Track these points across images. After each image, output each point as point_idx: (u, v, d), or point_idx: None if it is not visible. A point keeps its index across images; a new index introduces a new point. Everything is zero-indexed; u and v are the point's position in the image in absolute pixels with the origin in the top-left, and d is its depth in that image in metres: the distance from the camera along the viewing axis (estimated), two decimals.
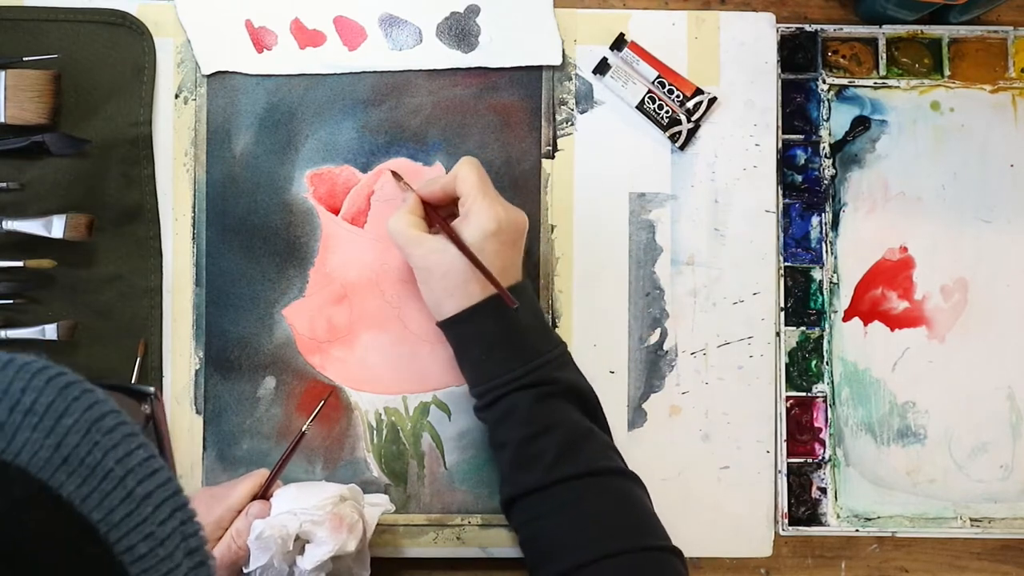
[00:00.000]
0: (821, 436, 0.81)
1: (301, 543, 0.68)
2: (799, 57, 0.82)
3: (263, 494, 0.72)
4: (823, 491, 0.80)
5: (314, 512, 0.68)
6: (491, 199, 0.71)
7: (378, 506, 0.74)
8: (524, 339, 0.71)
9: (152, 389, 0.47)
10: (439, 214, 0.73)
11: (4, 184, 0.76)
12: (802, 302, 0.81)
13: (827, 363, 0.81)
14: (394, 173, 0.78)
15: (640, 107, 0.80)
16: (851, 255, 0.82)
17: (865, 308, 0.82)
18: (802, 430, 0.81)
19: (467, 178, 0.71)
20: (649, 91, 0.80)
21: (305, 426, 0.74)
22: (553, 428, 0.69)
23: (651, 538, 0.69)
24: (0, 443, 0.35)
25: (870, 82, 0.82)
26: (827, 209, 0.82)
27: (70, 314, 0.77)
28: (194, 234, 0.79)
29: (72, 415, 0.37)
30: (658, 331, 0.80)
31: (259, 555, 0.67)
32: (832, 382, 0.81)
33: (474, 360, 0.72)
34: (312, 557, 0.68)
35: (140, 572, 0.35)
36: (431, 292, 0.72)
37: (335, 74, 0.80)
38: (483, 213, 0.70)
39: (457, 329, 0.71)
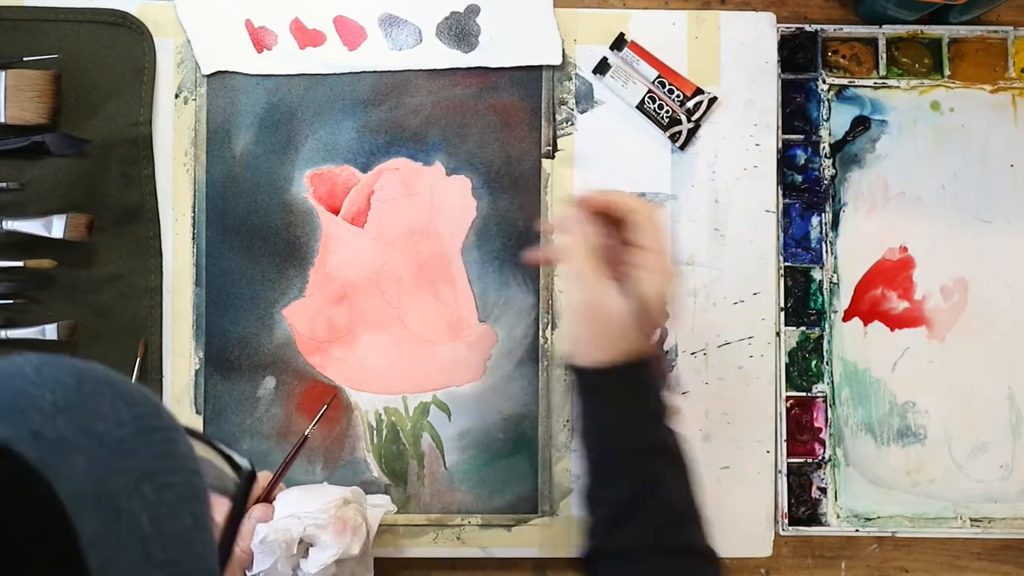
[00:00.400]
0: (821, 436, 0.81)
1: (305, 546, 0.68)
2: (799, 57, 0.82)
3: (266, 497, 0.72)
4: (823, 491, 0.80)
5: (318, 516, 0.68)
6: (666, 257, 0.66)
7: (380, 507, 0.74)
8: (654, 408, 0.66)
9: (250, 467, 0.44)
10: (619, 259, 0.67)
11: (4, 184, 0.76)
12: (802, 302, 0.81)
13: (827, 363, 0.81)
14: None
15: (640, 107, 0.80)
16: (851, 255, 0.82)
17: (865, 308, 0.82)
18: (802, 430, 0.81)
19: (661, 229, 0.65)
20: (649, 91, 0.80)
21: (308, 430, 0.74)
22: (657, 495, 0.65)
23: None
24: (51, 457, 0.34)
25: (870, 82, 0.82)
26: (827, 209, 0.82)
27: (70, 314, 0.77)
28: (194, 234, 0.79)
29: (136, 458, 0.36)
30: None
31: (263, 559, 0.67)
32: (832, 382, 0.81)
33: (604, 418, 0.66)
34: (316, 561, 0.68)
35: None
36: (588, 336, 0.66)
37: (335, 74, 0.80)
38: (668, 273, 0.65)
39: (600, 382, 0.66)
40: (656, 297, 0.65)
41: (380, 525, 0.74)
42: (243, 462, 0.45)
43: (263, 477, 0.73)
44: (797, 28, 0.82)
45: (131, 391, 0.38)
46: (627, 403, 0.66)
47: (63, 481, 0.34)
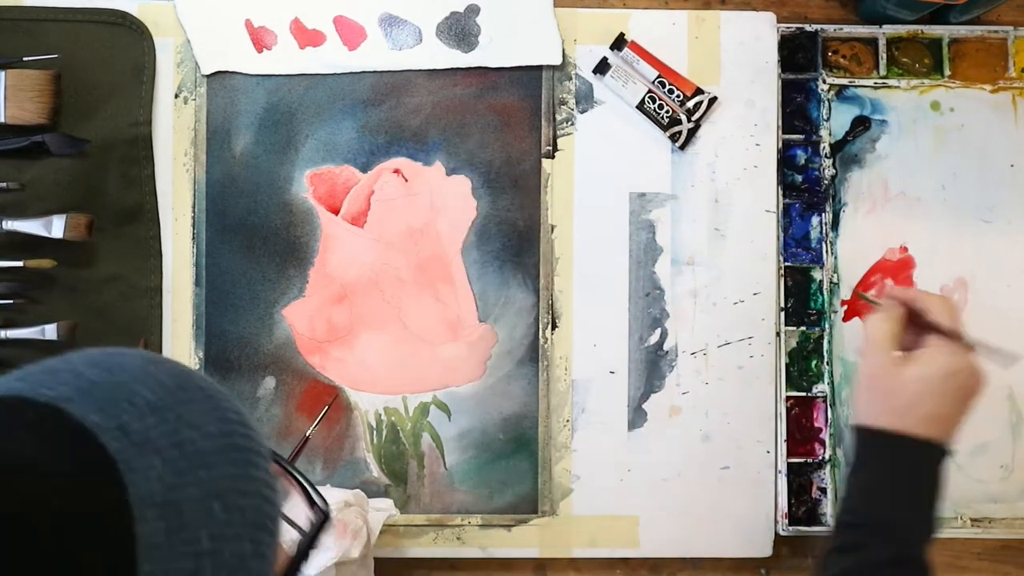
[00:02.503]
0: (821, 436, 0.81)
1: None
2: (799, 57, 0.82)
3: None
4: (823, 491, 0.80)
5: None
6: (961, 348, 0.66)
7: (383, 511, 0.74)
8: (929, 507, 0.65)
9: (326, 509, 0.44)
10: (929, 324, 0.67)
11: (4, 184, 0.76)
12: (802, 302, 0.81)
13: (827, 363, 0.81)
14: (863, 295, 0.74)
15: (640, 107, 0.80)
16: (851, 255, 0.82)
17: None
18: (802, 430, 0.81)
19: (956, 316, 0.66)
20: (649, 91, 0.80)
21: (309, 431, 0.74)
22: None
23: None
24: (131, 452, 0.34)
25: (870, 82, 0.82)
26: (827, 209, 0.82)
27: (70, 314, 0.77)
28: (194, 234, 0.79)
29: (212, 472, 0.36)
30: (658, 331, 0.80)
31: None
32: (832, 382, 0.81)
33: (875, 490, 0.65)
34: (316, 563, 0.68)
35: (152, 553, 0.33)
36: (868, 402, 0.66)
37: (335, 74, 0.80)
38: (950, 356, 0.65)
39: (882, 448, 0.65)
40: (946, 377, 0.64)
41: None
42: (320, 502, 0.44)
43: None
44: (797, 28, 0.82)
45: (228, 407, 0.38)
46: (906, 479, 0.65)
47: (138, 481, 0.34)
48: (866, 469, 0.66)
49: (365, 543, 0.70)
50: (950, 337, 0.65)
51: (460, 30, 0.80)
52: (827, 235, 0.82)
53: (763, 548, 0.80)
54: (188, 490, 0.35)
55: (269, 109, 0.80)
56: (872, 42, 0.83)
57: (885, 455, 0.65)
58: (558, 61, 0.80)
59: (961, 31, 0.82)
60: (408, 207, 0.80)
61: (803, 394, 0.81)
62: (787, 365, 0.81)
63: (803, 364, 0.81)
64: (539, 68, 0.81)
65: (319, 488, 0.75)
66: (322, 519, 0.44)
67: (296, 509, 0.44)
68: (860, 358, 0.67)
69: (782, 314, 0.81)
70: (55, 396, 0.35)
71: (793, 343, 0.81)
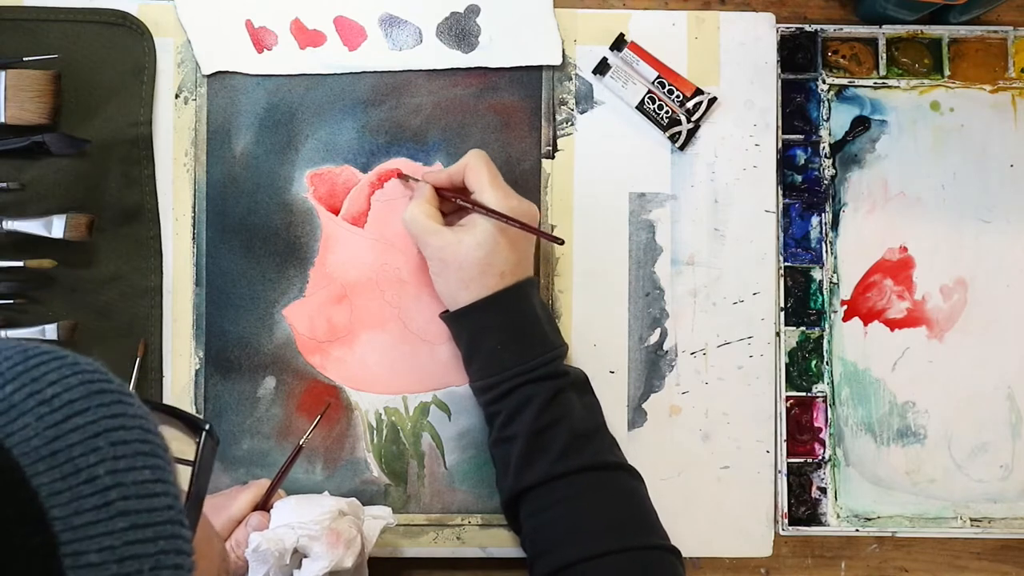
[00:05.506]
0: (821, 436, 0.81)
1: (298, 557, 0.68)
2: (799, 57, 0.82)
3: (263, 505, 0.72)
4: (823, 491, 0.80)
5: (311, 526, 0.68)
6: (503, 191, 0.72)
7: (380, 519, 0.73)
8: (539, 331, 0.72)
9: (208, 425, 0.46)
10: (457, 194, 0.73)
11: (4, 184, 0.76)
12: (802, 302, 0.81)
13: (827, 363, 0.81)
14: (400, 175, 0.79)
15: (640, 107, 0.80)
16: (851, 255, 0.82)
17: (865, 308, 0.82)
18: (802, 430, 0.81)
19: (477, 170, 0.72)
20: (649, 91, 0.80)
21: (303, 440, 0.73)
22: (563, 420, 0.70)
23: (652, 536, 0.69)
24: (2, 420, 0.36)
25: (870, 82, 0.82)
26: (827, 209, 0.82)
27: (70, 314, 0.77)
28: (194, 234, 0.79)
29: (87, 416, 0.37)
30: (658, 331, 0.80)
31: (256, 568, 0.67)
32: (832, 382, 0.81)
33: (488, 350, 0.72)
34: (308, 572, 0.67)
35: None
36: (446, 283, 0.72)
37: (335, 74, 0.80)
38: (496, 205, 0.70)
39: (472, 319, 0.72)
40: (494, 229, 0.71)
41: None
42: (199, 420, 0.46)
43: (260, 484, 0.73)
44: (797, 28, 0.82)
45: (78, 361, 0.39)
46: (502, 331, 0.72)
47: (15, 442, 0.35)
48: (483, 341, 0.72)
49: (359, 552, 0.70)
50: (483, 190, 0.71)
51: (460, 30, 0.80)
52: (827, 235, 0.82)
53: (763, 548, 0.80)
54: (69, 436, 0.36)
55: (269, 109, 0.80)
56: (872, 42, 0.83)
57: (487, 320, 0.72)
58: (558, 61, 0.80)
59: (961, 31, 0.82)
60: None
61: (803, 394, 0.81)
62: (787, 365, 0.81)
63: (803, 364, 0.81)
64: (539, 68, 0.81)
65: (317, 492, 0.76)
66: (205, 434, 0.46)
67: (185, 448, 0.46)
68: (421, 249, 0.74)
69: (782, 314, 0.81)
70: None
71: (793, 343, 0.81)
